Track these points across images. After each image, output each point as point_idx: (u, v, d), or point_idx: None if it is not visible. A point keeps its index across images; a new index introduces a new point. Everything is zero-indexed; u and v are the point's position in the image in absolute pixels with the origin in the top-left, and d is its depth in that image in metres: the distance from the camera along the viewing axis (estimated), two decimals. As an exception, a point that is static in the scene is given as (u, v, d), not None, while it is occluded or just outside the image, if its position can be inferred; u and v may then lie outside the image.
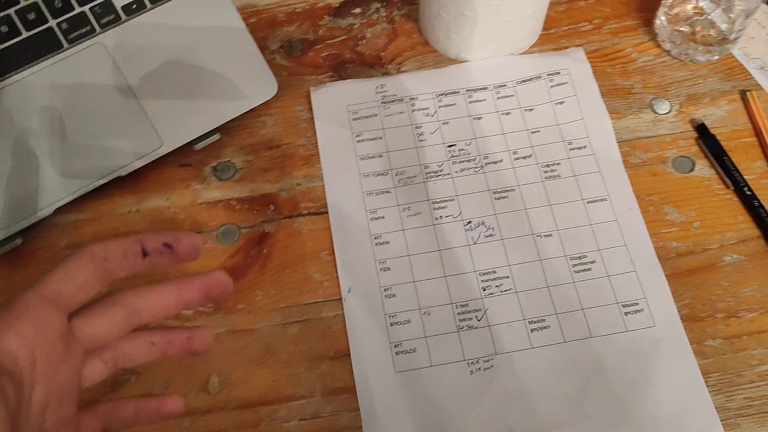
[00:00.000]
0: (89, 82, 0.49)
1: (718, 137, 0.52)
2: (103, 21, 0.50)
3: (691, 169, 0.51)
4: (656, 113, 0.53)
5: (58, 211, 0.49)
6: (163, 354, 0.33)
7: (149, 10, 0.51)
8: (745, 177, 0.50)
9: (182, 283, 0.31)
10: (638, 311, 0.46)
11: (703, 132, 0.52)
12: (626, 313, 0.46)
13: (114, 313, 0.30)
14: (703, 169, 0.51)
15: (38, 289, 0.28)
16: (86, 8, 0.49)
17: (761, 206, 0.49)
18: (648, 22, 0.57)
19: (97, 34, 0.50)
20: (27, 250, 0.49)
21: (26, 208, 0.48)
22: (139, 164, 0.50)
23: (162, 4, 0.51)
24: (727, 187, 0.50)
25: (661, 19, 0.55)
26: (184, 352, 0.33)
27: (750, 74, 0.55)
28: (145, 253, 0.30)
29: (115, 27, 0.50)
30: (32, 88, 0.48)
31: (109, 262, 0.29)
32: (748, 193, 0.49)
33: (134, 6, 0.50)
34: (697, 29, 0.54)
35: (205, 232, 0.49)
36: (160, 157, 0.51)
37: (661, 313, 0.46)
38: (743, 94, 0.54)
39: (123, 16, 0.50)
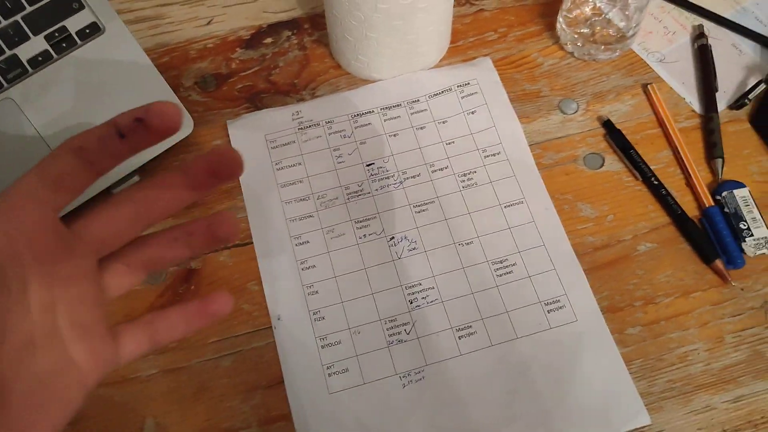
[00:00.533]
0: (2, 140, 0.49)
1: (625, 131, 0.54)
2: (10, 76, 0.50)
3: (602, 165, 0.53)
4: (564, 114, 0.55)
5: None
6: (191, 249, 0.31)
7: (56, 60, 0.51)
8: (653, 167, 0.52)
9: (186, 167, 0.29)
10: (560, 308, 0.48)
11: (609, 128, 0.54)
12: (549, 311, 0.48)
13: (117, 209, 0.29)
14: (613, 163, 0.53)
15: (15, 185, 0.27)
16: (-9, 65, 0.50)
17: (668, 194, 0.51)
18: (551, 27, 0.59)
19: (5, 89, 0.50)
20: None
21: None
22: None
23: (68, 53, 0.51)
24: (636, 178, 0.52)
25: (560, 23, 0.57)
26: (209, 240, 0.31)
27: (651, 68, 0.57)
28: (121, 135, 0.28)
29: (23, 80, 0.50)
30: (-58, 149, 0.48)
31: (87, 151, 0.28)
32: (656, 182, 0.51)
33: (40, 58, 0.51)
34: (597, 29, 0.56)
35: (131, 275, 0.50)
36: (81, 205, 0.51)
37: (582, 307, 0.48)
38: (645, 87, 0.56)
39: (30, 69, 0.50)
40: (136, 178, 0.52)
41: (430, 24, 0.52)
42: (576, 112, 0.55)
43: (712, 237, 0.49)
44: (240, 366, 0.47)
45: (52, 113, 0.50)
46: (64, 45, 0.51)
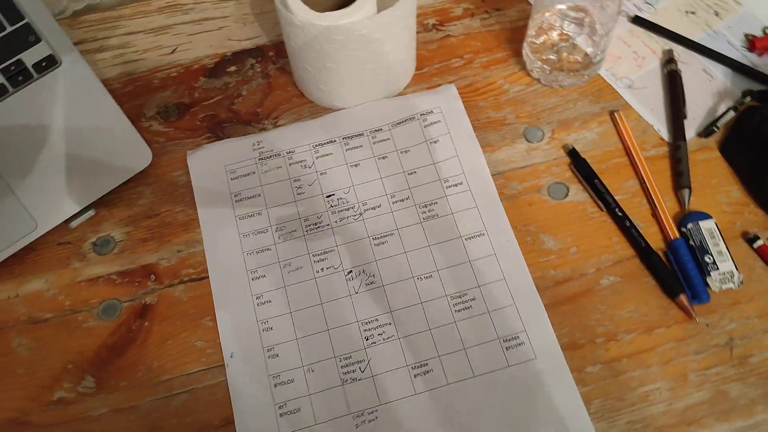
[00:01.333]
0: (-45, 173, 0.49)
1: (591, 160, 0.52)
2: (-36, 110, 0.50)
3: (566, 195, 0.52)
4: (529, 142, 0.54)
5: (-67, 305, 0.48)
6: None
7: (12, 94, 0.51)
8: (619, 197, 0.51)
9: None
10: (519, 344, 0.46)
11: (574, 157, 0.53)
12: (507, 348, 0.46)
13: None
14: (578, 193, 0.52)
15: None
16: (-56, 99, 0.49)
17: (633, 226, 0.49)
18: (518, 53, 0.58)
19: (-41, 124, 0.50)
20: None
21: None
22: (13, 250, 0.50)
23: (25, 87, 0.51)
24: (601, 209, 0.51)
25: (526, 49, 0.56)
26: None
27: (619, 94, 0.56)
28: None
29: (-23, 114, 0.50)
30: None
31: None
32: (620, 213, 0.50)
33: (-5, 92, 0.50)
34: (563, 55, 0.55)
35: (85, 311, 0.49)
36: (37, 239, 0.50)
37: (542, 344, 0.46)
38: (612, 114, 0.55)
39: (-16, 103, 0.50)
40: (91, 212, 0.52)
41: (389, 53, 0.51)
42: (541, 140, 0.54)
43: (677, 271, 0.48)
44: (192, 405, 0.46)
45: (8, 146, 0.50)
46: (20, 78, 0.51)
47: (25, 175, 0.50)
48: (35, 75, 0.51)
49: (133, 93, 0.58)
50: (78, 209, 0.51)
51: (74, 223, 0.51)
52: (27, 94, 0.51)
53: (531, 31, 0.56)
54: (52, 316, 0.49)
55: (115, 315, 0.49)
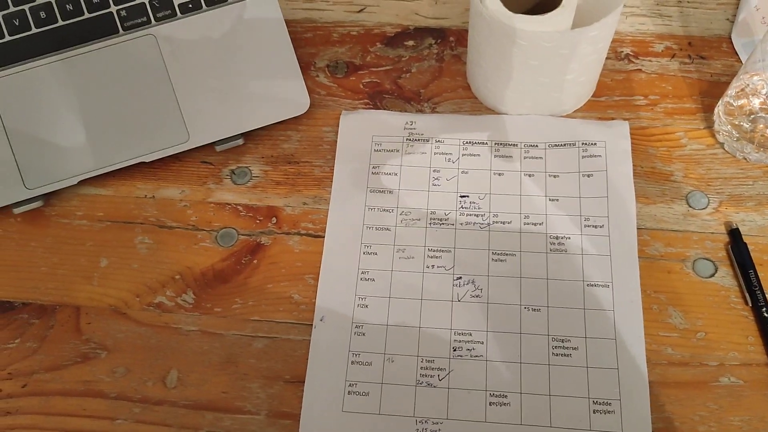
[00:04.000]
0: (135, 69, 0.52)
1: (753, 247, 0.47)
2: (159, 15, 0.53)
3: (712, 275, 0.47)
4: (690, 207, 0.50)
5: (82, 182, 0.52)
6: None
7: (204, 11, 0.53)
8: (770, 296, 0.46)
9: None
10: (608, 412, 0.43)
11: (735, 237, 0.48)
12: (594, 411, 0.43)
13: None
14: (725, 277, 0.47)
15: None
16: (147, 0, 0.52)
17: (777, 332, 0.44)
18: (708, 109, 0.53)
19: (152, 27, 0.53)
20: (46, 213, 0.52)
21: (54, 174, 0.51)
22: (163, 154, 0.52)
23: (217, 8, 0.53)
24: (746, 303, 0.46)
25: (720, 108, 0.51)
26: None
27: (809, 185, 0.50)
28: None
29: (169, 22, 0.53)
30: (82, 65, 0.52)
31: None
32: (766, 314, 0.45)
33: (190, 5, 0.53)
34: (759, 127, 0.50)
35: (206, 231, 0.51)
36: (184, 151, 0.53)
37: (634, 421, 0.43)
38: (793, 205, 0.49)
39: (178, 13, 0.53)
40: (240, 141, 0.53)
41: (569, 72, 0.49)
42: (704, 208, 0.49)
43: (812, 397, 0.42)
44: (271, 352, 0.47)
45: (185, 59, 0.53)
46: (214, -1, 0.53)
47: (191, 89, 0.52)
48: (230, 0, 0.53)
49: (310, 40, 0.59)
50: (229, 135, 0.53)
51: (221, 147, 0.53)
52: (217, 15, 0.53)
53: (732, 91, 0.50)
54: (177, 226, 0.51)
55: (231, 244, 0.50)
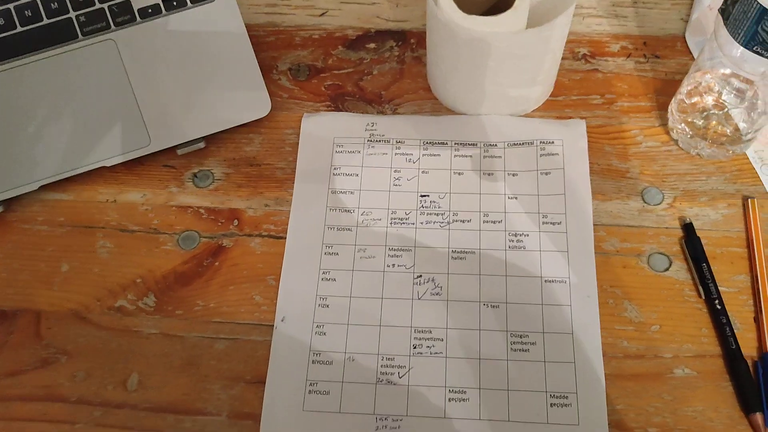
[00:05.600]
0: (95, 74, 0.52)
1: (706, 241, 0.48)
2: (119, 20, 0.53)
3: (666, 269, 0.48)
4: (646, 203, 0.50)
5: (43, 188, 0.52)
6: None
7: (163, 15, 0.53)
8: (723, 288, 0.47)
9: None
10: (565, 405, 0.44)
11: (689, 232, 0.49)
12: (552, 404, 0.44)
13: None
14: (679, 271, 0.48)
15: None
16: (105, 5, 0.53)
17: (728, 323, 0.45)
18: (663, 107, 0.54)
19: (111, 32, 0.53)
20: (7, 218, 0.52)
21: (14, 179, 0.51)
22: (125, 158, 0.52)
23: (176, 12, 0.53)
24: (699, 295, 0.47)
25: (673, 105, 0.52)
26: None
27: (760, 180, 0.51)
28: None
29: (128, 27, 0.53)
30: (42, 70, 0.52)
31: None
32: (719, 306, 0.46)
33: (150, 10, 0.53)
34: (712, 124, 0.51)
35: (167, 234, 0.51)
36: (146, 155, 0.53)
37: (589, 413, 0.44)
38: (745, 200, 0.50)
39: (138, 18, 0.53)
40: (201, 144, 0.54)
41: (525, 72, 0.49)
42: (659, 204, 0.50)
43: (762, 387, 0.43)
44: (232, 353, 0.47)
45: (145, 63, 0.53)
46: (174, 3, 0.53)
47: (152, 93, 0.53)
48: (189, 4, 0.53)
49: (272, 44, 0.59)
50: (190, 139, 0.53)
51: (183, 150, 0.53)
52: (177, 19, 0.53)
53: (684, 89, 0.52)
54: (138, 230, 0.51)
55: (192, 246, 0.51)
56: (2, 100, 0.51)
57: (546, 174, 0.52)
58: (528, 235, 0.50)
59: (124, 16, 0.53)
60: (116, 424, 0.45)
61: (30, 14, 0.52)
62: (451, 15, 0.47)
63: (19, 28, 0.52)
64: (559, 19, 0.46)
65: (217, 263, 0.50)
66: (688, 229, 0.49)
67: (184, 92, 0.53)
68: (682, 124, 0.51)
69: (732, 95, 0.51)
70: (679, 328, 0.46)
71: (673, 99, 0.52)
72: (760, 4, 0.40)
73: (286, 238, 0.50)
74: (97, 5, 0.52)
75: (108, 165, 0.52)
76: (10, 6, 0.51)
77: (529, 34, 0.46)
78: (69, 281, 0.50)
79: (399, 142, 0.54)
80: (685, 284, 0.47)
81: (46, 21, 0.52)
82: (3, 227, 0.52)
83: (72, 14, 0.52)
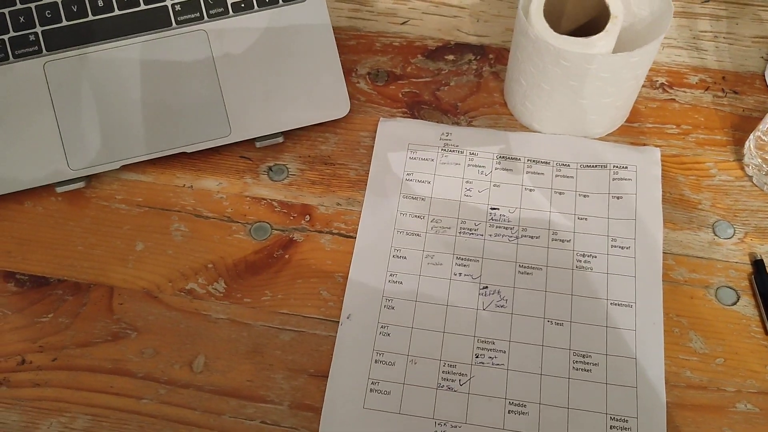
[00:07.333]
0: (184, 62, 0.54)
1: (775, 279, 0.48)
2: (212, 12, 0.54)
3: (734, 303, 0.48)
4: (716, 236, 0.51)
5: (124, 167, 0.54)
6: None
7: (255, 11, 0.55)
8: (791, 328, 0.46)
9: None
10: (625, 429, 0.44)
11: (759, 268, 0.49)
12: (611, 427, 0.44)
13: None
14: (747, 306, 0.48)
15: None
16: (201, -3, 0.54)
17: (796, 364, 0.45)
18: (739, 142, 0.54)
19: (203, 23, 0.54)
20: (87, 194, 0.54)
21: (98, 157, 0.53)
22: (204, 146, 0.54)
23: (267, 9, 0.55)
24: (766, 333, 0.47)
25: (751, 141, 0.52)
26: None
27: (834, 224, 0.51)
28: None
29: (220, 19, 0.54)
30: (135, 54, 0.53)
31: None
32: (786, 345, 0.46)
33: (242, 5, 0.55)
34: (789, 162, 0.51)
35: (240, 223, 0.52)
36: (225, 145, 0.54)
37: (649, 439, 0.44)
38: (818, 242, 0.50)
39: (230, 12, 0.55)
40: (280, 139, 0.55)
41: (607, 95, 0.50)
42: (729, 238, 0.50)
43: (827, 430, 0.43)
44: (296, 345, 0.48)
45: (233, 56, 0.54)
46: (267, 0, 0.55)
47: (237, 86, 0.54)
48: (281, 2, 0.55)
49: (353, 48, 0.60)
50: (269, 132, 0.54)
51: (261, 144, 0.55)
52: (267, 15, 0.55)
53: (764, 126, 0.52)
54: (212, 216, 0.53)
55: (264, 237, 0.52)
56: (95, 80, 0.53)
57: (618, 198, 0.52)
58: (596, 257, 0.50)
59: (218, 8, 0.54)
60: (180, 403, 0.46)
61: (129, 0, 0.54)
62: (542, 32, 0.48)
63: (117, 12, 0.54)
64: (650, 46, 0.46)
65: (287, 256, 0.51)
66: (758, 265, 0.49)
67: (268, 87, 0.54)
68: (759, 160, 0.52)
69: (811, 136, 0.51)
70: (744, 363, 0.46)
71: (752, 135, 0.52)
72: None
73: (355, 237, 0.51)
74: (193, -4, 0.54)
75: (188, 151, 0.54)
76: (110, -10, 0.53)
77: (619, 58, 0.47)
78: (143, 260, 0.51)
79: (472, 153, 0.54)
80: (752, 320, 0.47)
81: (143, 6, 0.54)
82: (83, 203, 0.54)
83: (168, 2, 0.54)
